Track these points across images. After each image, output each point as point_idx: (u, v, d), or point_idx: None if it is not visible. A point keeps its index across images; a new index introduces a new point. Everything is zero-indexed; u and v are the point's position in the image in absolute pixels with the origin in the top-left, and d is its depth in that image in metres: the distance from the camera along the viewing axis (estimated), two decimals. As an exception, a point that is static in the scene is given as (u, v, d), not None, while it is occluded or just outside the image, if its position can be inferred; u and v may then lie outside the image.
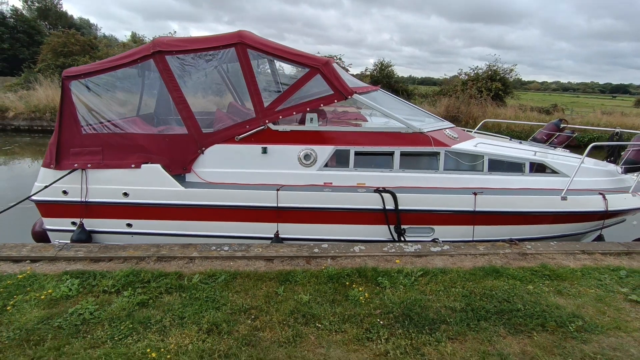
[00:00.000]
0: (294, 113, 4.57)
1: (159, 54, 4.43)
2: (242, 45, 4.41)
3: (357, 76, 24.09)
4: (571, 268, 3.78)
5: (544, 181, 4.71)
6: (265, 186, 4.49)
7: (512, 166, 4.74)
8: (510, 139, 6.17)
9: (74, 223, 4.56)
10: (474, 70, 21.95)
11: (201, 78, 5.09)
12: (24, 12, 45.92)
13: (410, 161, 4.65)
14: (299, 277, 3.43)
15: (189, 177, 4.63)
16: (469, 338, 2.68)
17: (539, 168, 4.85)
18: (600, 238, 4.74)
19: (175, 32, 23.15)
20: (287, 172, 4.59)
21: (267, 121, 4.52)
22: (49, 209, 4.60)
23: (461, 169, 4.70)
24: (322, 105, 4.58)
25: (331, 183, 4.60)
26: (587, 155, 4.70)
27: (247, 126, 4.55)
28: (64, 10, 52.13)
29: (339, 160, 4.65)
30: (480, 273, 3.59)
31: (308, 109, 4.56)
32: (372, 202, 4.39)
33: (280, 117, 4.54)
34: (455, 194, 4.44)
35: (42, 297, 2.97)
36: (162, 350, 2.44)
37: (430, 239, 4.51)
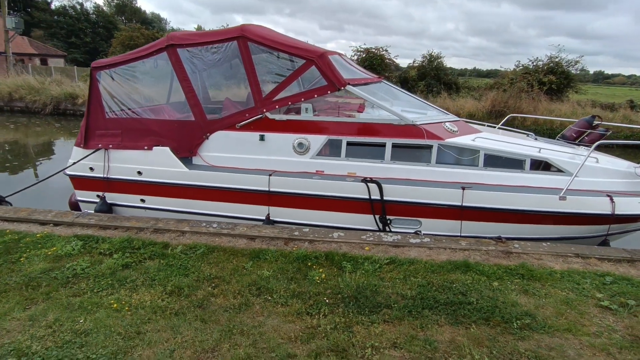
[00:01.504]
0: (290, 103, 4.80)
1: (172, 47, 4.88)
2: (243, 39, 4.72)
3: (405, 68, 23.56)
4: (553, 270, 3.63)
5: (546, 179, 4.49)
6: (261, 171, 4.79)
7: (511, 162, 4.57)
8: (528, 135, 5.87)
9: (98, 196, 5.22)
10: (533, 62, 20.48)
11: (216, 69, 5.52)
12: (104, 8, 50.67)
13: (402, 153, 4.67)
14: (269, 255, 3.69)
15: (196, 160, 5.07)
16: (404, 323, 2.77)
17: (546, 166, 4.63)
18: (605, 244, 4.42)
19: (227, 25, 24.20)
20: (282, 159, 4.85)
21: (264, 110, 4.80)
22: (79, 182, 5.30)
23: (456, 163, 4.63)
24: (316, 95, 4.76)
25: (323, 171, 4.78)
26: (617, 157, 4.38)
27: (247, 114, 4.86)
28: (138, 6, 56.55)
29: (331, 150, 4.81)
30: (449, 266, 3.59)
31: (303, 99, 4.77)
32: (359, 191, 4.51)
33: (277, 106, 4.79)
34: (446, 187, 4.40)
35: (49, 253, 3.54)
36: (124, 303, 2.85)
37: (421, 232, 4.53)
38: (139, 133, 5.02)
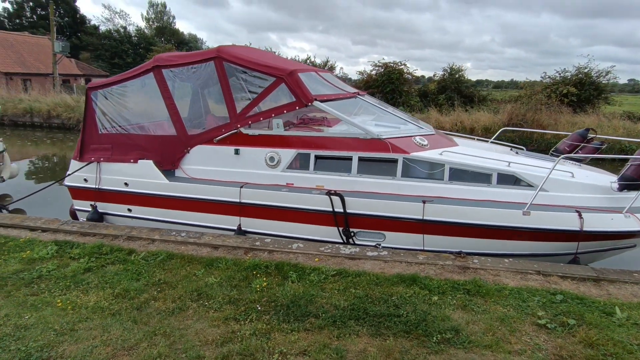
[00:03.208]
0: (262, 119, 5.02)
1: (157, 68, 5.28)
2: (218, 59, 5.04)
3: (424, 80, 23.38)
4: (505, 286, 3.55)
5: (514, 194, 4.40)
6: (234, 183, 5.02)
7: (477, 176, 4.52)
8: (511, 149, 5.76)
9: (91, 205, 5.65)
10: (560, 74, 19.74)
11: (200, 87, 5.88)
12: (145, 30, 54.13)
13: (368, 166, 4.75)
14: (222, 263, 3.86)
15: (178, 173, 5.39)
16: (324, 332, 2.83)
17: (517, 181, 4.53)
18: (575, 262, 4.23)
19: (250, 43, 25.17)
20: (255, 172, 5.06)
21: (238, 125, 5.05)
22: (76, 192, 5.76)
23: (421, 176, 4.64)
24: (285, 111, 4.96)
25: (292, 184, 4.93)
26: (602, 170, 4.22)
27: (223, 130, 5.14)
28: (176, 27, 59.95)
29: (301, 163, 4.97)
30: (395, 279, 3.60)
31: (274, 115, 4.98)
32: (323, 204, 4.61)
33: (250, 122, 5.03)
34: (406, 201, 4.42)
35: (24, 256, 3.90)
36: (69, 302, 3.10)
37: (380, 245, 4.55)
38: (127, 147, 5.42)
